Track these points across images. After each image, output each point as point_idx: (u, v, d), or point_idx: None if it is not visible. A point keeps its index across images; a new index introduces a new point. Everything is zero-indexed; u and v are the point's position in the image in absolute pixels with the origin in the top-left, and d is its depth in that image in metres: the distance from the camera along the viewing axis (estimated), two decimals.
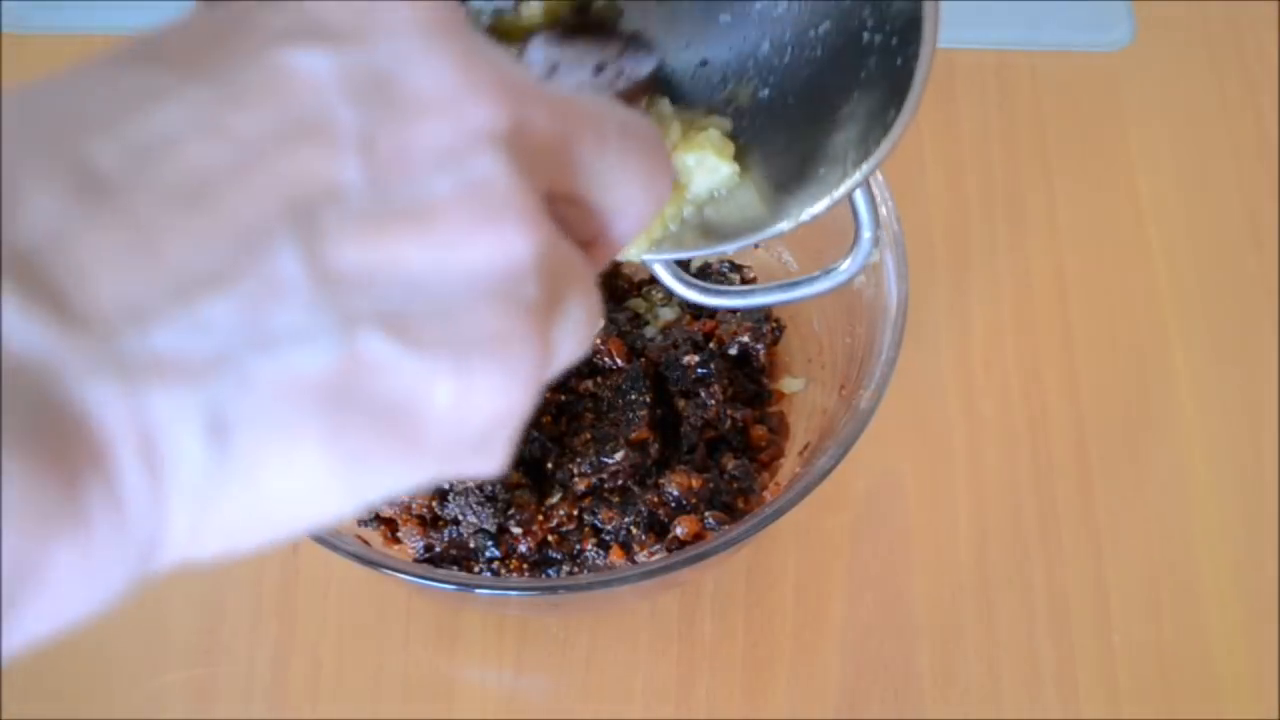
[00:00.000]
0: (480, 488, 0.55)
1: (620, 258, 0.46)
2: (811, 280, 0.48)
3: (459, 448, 0.22)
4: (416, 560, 0.56)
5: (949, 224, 0.71)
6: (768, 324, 0.62)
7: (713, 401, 0.59)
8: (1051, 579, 0.61)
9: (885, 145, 0.39)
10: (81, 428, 0.19)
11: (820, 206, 0.42)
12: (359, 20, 0.22)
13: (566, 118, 0.24)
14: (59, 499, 0.18)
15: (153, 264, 0.19)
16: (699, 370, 0.59)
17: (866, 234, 0.45)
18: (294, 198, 0.20)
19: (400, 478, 0.22)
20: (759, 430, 0.60)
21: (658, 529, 0.56)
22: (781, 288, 0.48)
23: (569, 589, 0.52)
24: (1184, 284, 0.69)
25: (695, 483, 0.56)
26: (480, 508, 0.55)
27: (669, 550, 0.55)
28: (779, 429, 0.61)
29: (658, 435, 0.58)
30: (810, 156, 0.44)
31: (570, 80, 0.41)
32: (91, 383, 0.19)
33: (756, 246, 0.54)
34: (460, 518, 0.55)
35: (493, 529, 0.55)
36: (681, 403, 0.59)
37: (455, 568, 0.56)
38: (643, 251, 0.44)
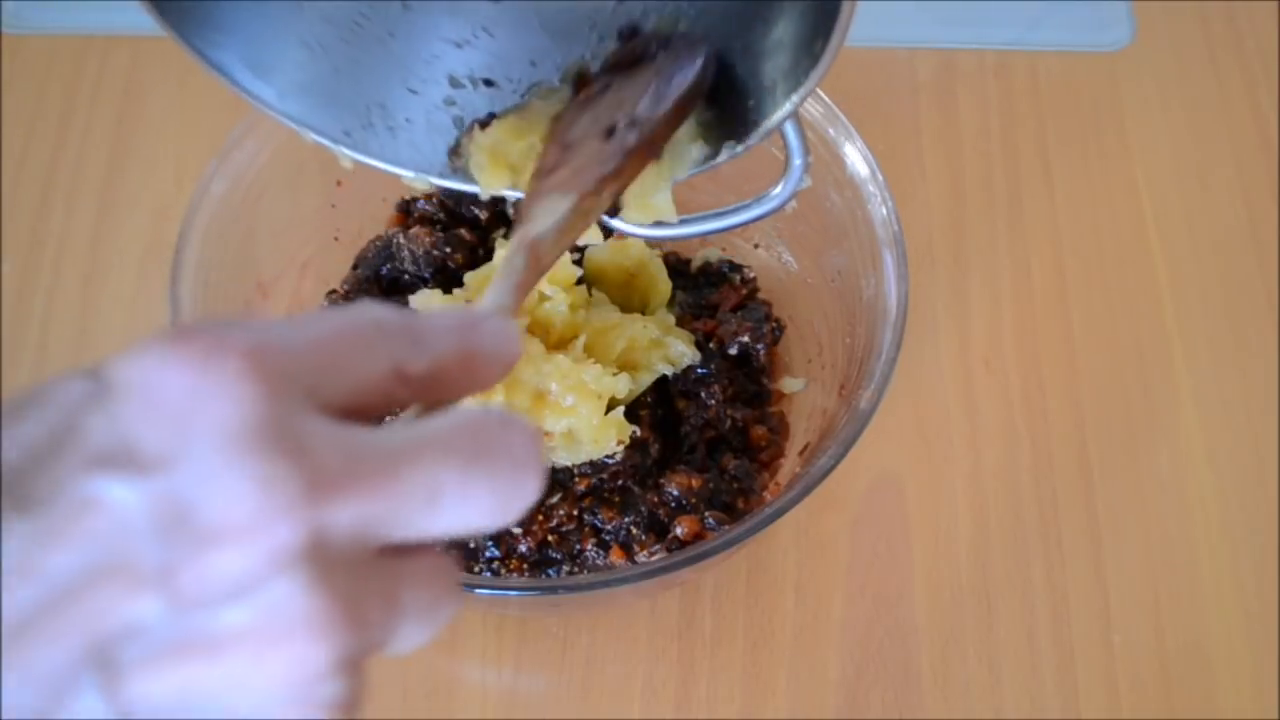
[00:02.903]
0: None
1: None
2: (745, 207, 0.49)
3: None
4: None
5: (949, 224, 0.71)
6: (768, 324, 0.62)
7: (713, 401, 0.59)
8: (1051, 579, 0.61)
9: (814, 75, 0.40)
10: None
11: (752, 138, 0.43)
12: (169, 436, 0.23)
13: (389, 489, 0.24)
14: None
15: None
16: (699, 370, 0.59)
17: (797, 161, 0.46)
18: (96, 637, 0.22)
19: None
20: (759, 430, 0.60)
21: (658, 529, 0.56)
22: (717, 215, 0.49)
23: (569, 589, 0.52)
24: (1184, 284, 0.69)
25: (695, 483, 0.56)
26: None
27: (669, 550, 0.55)
28: (779, 429, 0.61)
29: (658, 435, 0.58)
30: (738, 88, 0.44)
31: (574, 163, 0.41)
32: None
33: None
34: None
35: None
36: (681, 403, 0.59)
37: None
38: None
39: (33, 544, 0.22)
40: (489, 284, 0.35)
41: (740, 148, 0.44)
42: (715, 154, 0.45)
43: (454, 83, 0.49)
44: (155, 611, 0.22)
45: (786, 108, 0.42)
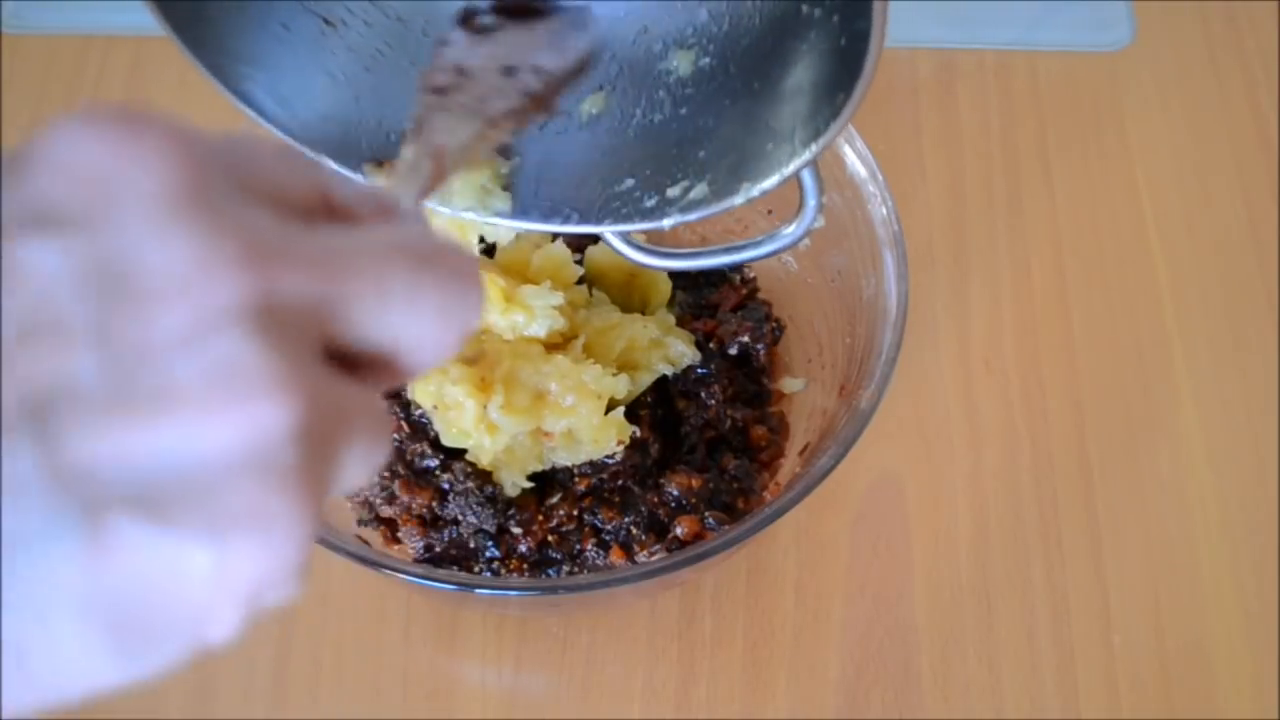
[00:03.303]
0: (480, 488, 0.55)
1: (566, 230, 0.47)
2: (757, 243, 0.48)
3: (235, 607, 0.22)
4: (416, 560, 0.56)
5: (949, 224, 0.71)
6: (768, 324, 0.62)
7: (713, 401, 0.59)
8: (1051, 579, 0.61)
9: (834, 129, 0.40)
10: None
11: (770, 182, 0.43)
12: (92, 201, 0.22)
13: (332, 272, 0.23)
14: None
15: None
16: (699, 370, 0.59)
17: (811, 202, 0.46)
18: (29, 397, 0.21)
19: (173, 651, 0.23)
20: (759, 430, 0.60)
21: (658, 529, 0.56)
22: (728, 250, 0.49)
23: (569, 589, 0.52)
24: (1184, 284, 0.69)
25: (695, 483, 0.56)
26: (480, 508, 0.55)
27: (669, 550, 0.55)
28: (779, 429, 0.61)
29: (658, 435, 0.58)
30: (757, 130, 0.44)
31: (474, 90, 0.40)
32: None
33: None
34: (460, 518, 0.55)
35: (493, 529, 0.55)
36: (681, 403, 0.59)
37: (455, 568, 0.56)
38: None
39: None
40: (393, 178, 0.34)
41: (757, 190, 0.43)
42: (732, 194, 0.44)
43: None
44: (93, 369, 0.21)
45: (805, 156, 0.42)
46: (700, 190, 0.45)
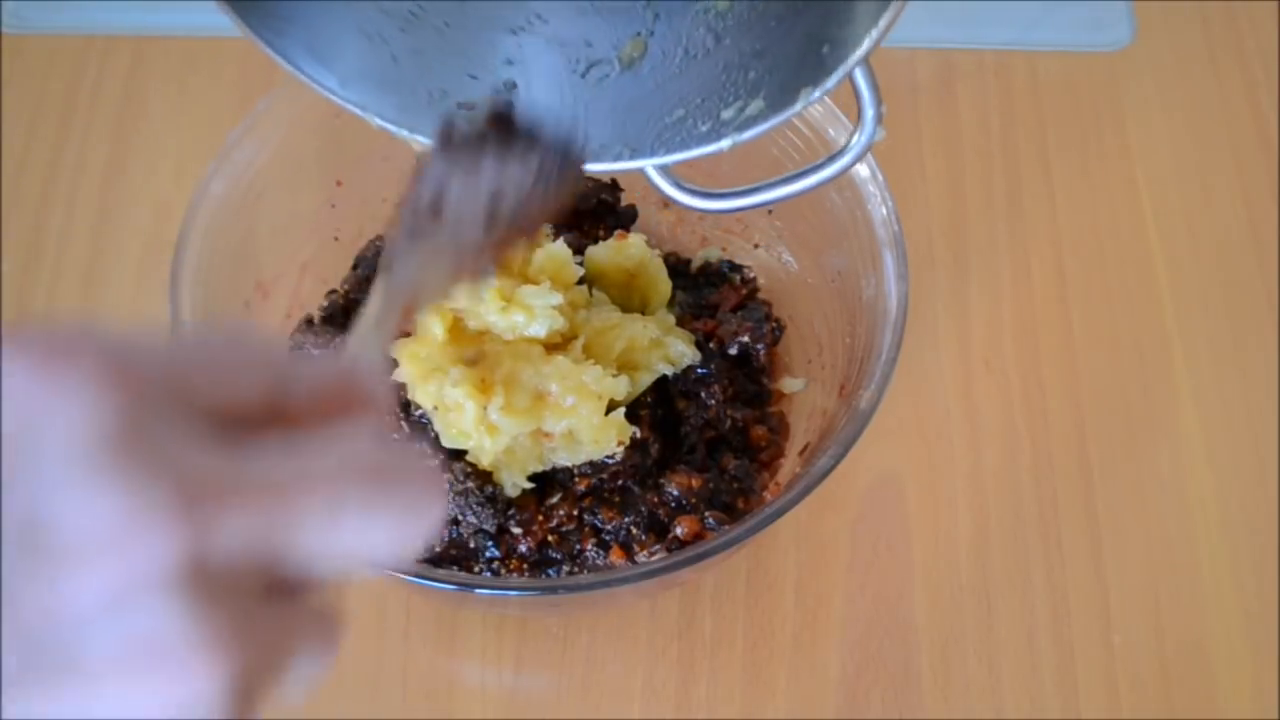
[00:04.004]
0: (480, 488, 0.55)
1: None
2: (816, 168, 0.46)
3: None
4: (416, 560, 0.56)
5: (949, 224, 0.71)
6: (768, 324, 0.62)
7: (713, 401, 0.59)
8: (1051, 579, 0.61)
9: (888, 16, 0.38)
10: None
11: (831, 81, 0.41)
12: (12, 449, 0.20)
13: (278, 502, 0.22)
14: None
15: None
16: (699, 370, 0.59)
17: (870, 111, 0.44)
18: None
19: None
20: (759, 430, 0.60)
21: (658, 529, 0.56)
22: (786, 180, 0.47)
23: (569, 589, 0.52)
24: (1184, 284, 0.69)
25: (695, 483, 0.56)
26: (480, 508, 0.55)
27: (669, 550, 0.55)
28: (779, 429, 0.61)
29: (658, 435, 0.58)
30: (807, 41, 0.43)
31: (451, 226, 0.39)
32: None
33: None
34: (460, 518, 0.55)
35: (493, 529, 0.55)
36: (681, 403, 0.59)
37: (455, 568, 0.56)
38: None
39: None
40: (359, 331, 0.33)
41: (818, 92, 0.41)
42: (790, 103, 0.42)
43: (511, 66, 0.49)
44: (8, 645, 0.20)
45: (865, 45, 0.40)
46: (756, 106, 0.44)
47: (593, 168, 0.46)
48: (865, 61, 0.42)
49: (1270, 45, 0.77)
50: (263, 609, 0.22)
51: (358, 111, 0.47)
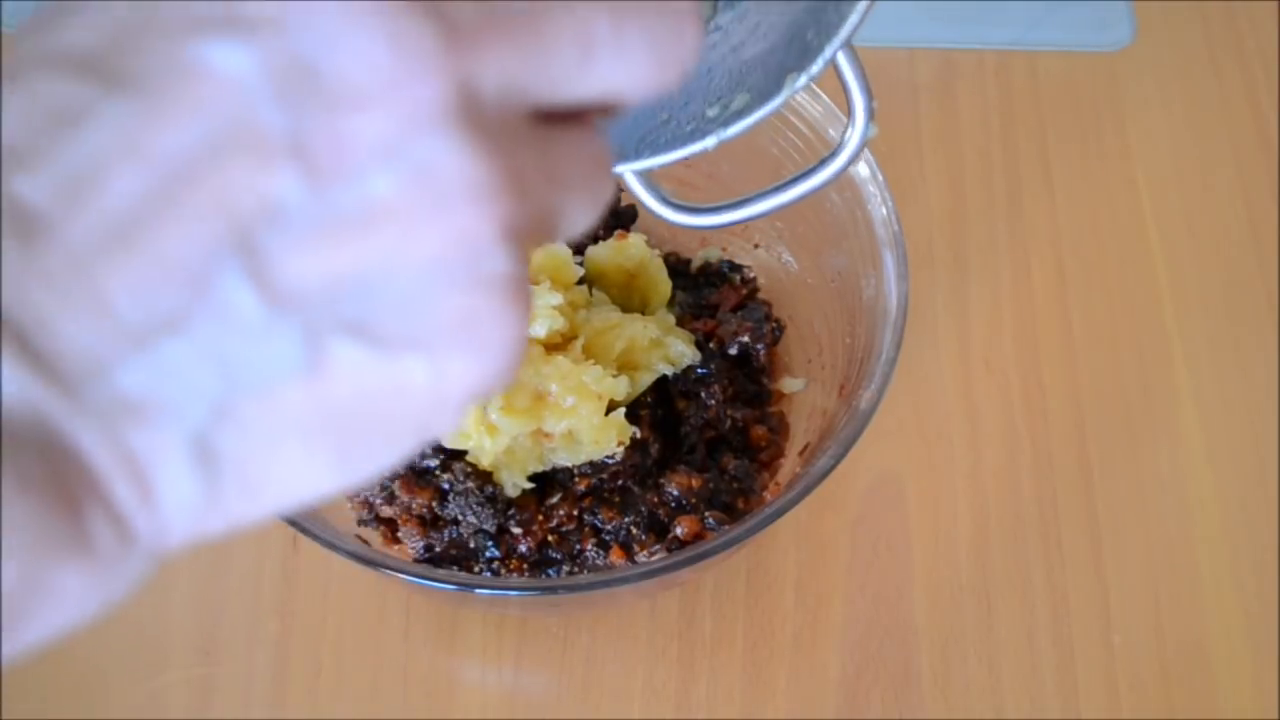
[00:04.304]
0: (480, 488, 0.55)
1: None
2: (808, 174, 0.45)
3: (453, 412, 0.22)
4: (416, 560, 0.56)
5: (949, 224, 0.71)
6: (768, 324, 0.62)
7: (713, 401, 0.59)
8: (1051, 579, 0.61)
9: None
10: (77, 467, 0.20)
11: (816, 67, 0.40)
12: (277, 3, 0.20)
13: (534, 39, 0.22)
14: (66, 529, 0.20)
15: (102, 312, 0.20)
16: (699, 370, 0.59)
17: (861, 106, 0.42)
18: (231, 221, 0.20)
19: (394, 455, 0.23)
20: (759, 430, 0.60)
21: (658, 529, 0.56)
22: (779, 189, 0.45)
23: (569, 589, 0.52)
24: (1184, 284, 0.69)
25: (695, 483, 0.56)
26: (480, 508, 0.55)
27: (669, 550, 0.55)
28: (779, 429, 0.61)
29: (658, 435, 0.58)
30: (792, 30, 0.42)
31: None
32: (77, 427, 0.20)
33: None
34: (460, 518, 0.55)
35: (493, 529, 0.55)
36: (681, 403, 0.59)
37: (455, 568, 0.56)
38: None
39: (136, 124, 0.19)
40: None
41: (804, 78, 0.40)
42: (776, 92, 0.41)
43: None
44: (294, 185, 0.20)
45: (853, 19, 0.39)
46: (740, 100, 0.43)
47: None
48: (852, 50, 0.41)
49: (1270, 45, 0.77)
50: (532, 147, 0.22)
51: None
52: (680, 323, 0.61)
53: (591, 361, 0.55)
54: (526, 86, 0.22)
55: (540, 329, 0.55)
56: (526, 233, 0.22)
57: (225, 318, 0.20)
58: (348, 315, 0.21)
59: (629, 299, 0.62)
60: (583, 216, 0.24)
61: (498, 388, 0.23)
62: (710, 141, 0.42)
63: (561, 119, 0.23)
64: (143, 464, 0.20)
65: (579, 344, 0.56)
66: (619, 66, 0.23)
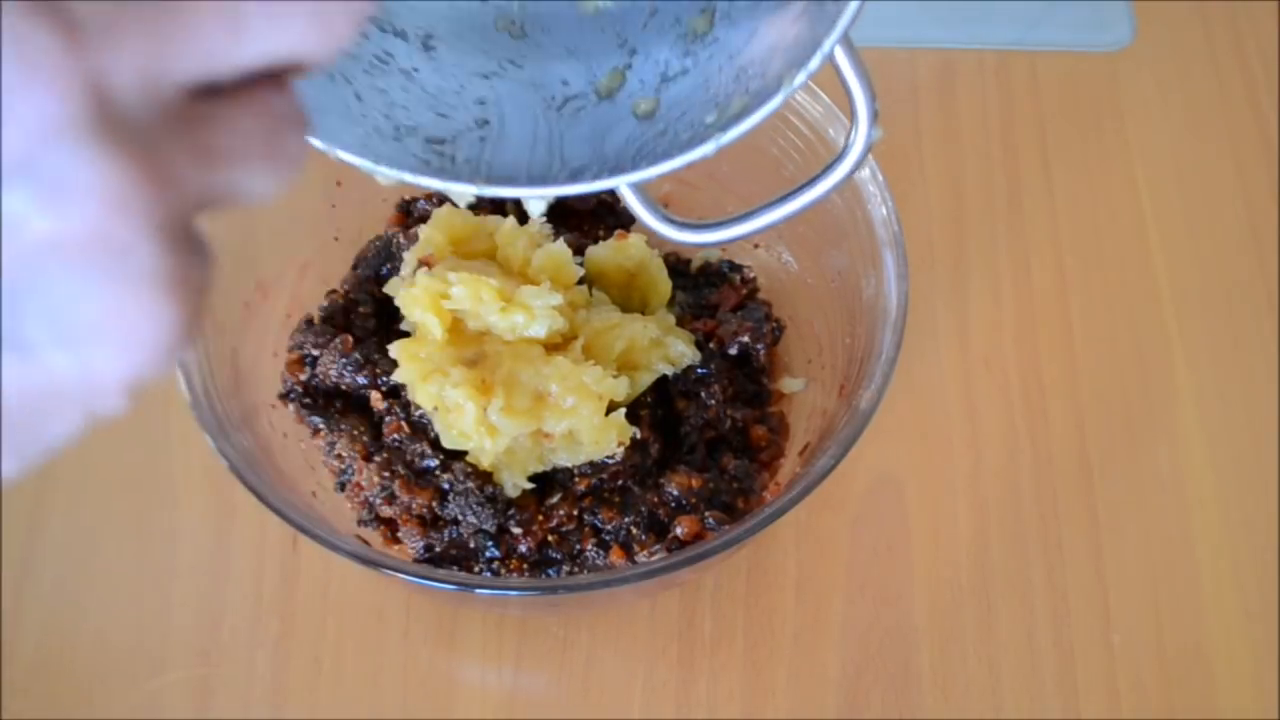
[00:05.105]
0: (480, 488, 0.55)
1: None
2: (813, 183, 0.44)
3: (117, 395, 0.23)
4: (416, 560, 0.56)
5: (949, 224, 0.71)
6: (768, 324, 0.62)
7: (713, 401, 0.59)
8: (1051, 579, 0.61)
9: None
10: None
11: (814, 63, 0.39)
12: None
13: (172, 24, 0.21)
14: None
15: None
16: (699, 370, 0.59)
17: (864, 108, 0.41)
18: None
19: (65, 437, 0.23)
20: (759, 430, 0.60)
21: (658, 529, 0.56)
22: (778, 203, 0.44)
23: (569, 589, 0.52)
24: (1184, 284, 0.69)
25: (695, 483, 0.56)
26: (480, 508, 0.55)
27: (669, 550, 0.55)
28: (779, 429, 0.61)
29: (658, 435, 0.58)
30: (784, 32, 0.42)
31: None
32: None
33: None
34: (460, 518, 0.55)
35: (493, 529, 0.55)
36: (681, 403, 0.59)
37: (455, 568, 0.56)
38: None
39: None
40: None
41: (801, 76, 0.39)
42: (773, 93, 0.40)
43: (484, 105, 0.48)
44: None
45: (840, 24, 0.38)
46: (738, 103, 0.42)
47: (574, 189, 0.44)
48: (854, 51, 0.40)
49: (1270, 45, 0.77)
50: (187, 127, 0.22)
51: (315, 144, 0.43)
52: (680, 323, 0.61)
53: (591, 362, 0.55)
54: (170, 71, 0.21)
55: (540, 329, 0.55)
56: (186, 216, 0.22)
57: None
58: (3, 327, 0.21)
59: (629, 299, 0.62)
60: (265, 180, 0.24)
61: (157, 371, 0.23)
62: (709, 148, 0.42)
63: (238, 87, 0.23)
64: None
65: (579, 344, 0.56)
66: (277, 33, 0.22)
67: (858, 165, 0.43)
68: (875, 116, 0.42)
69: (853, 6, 0.38)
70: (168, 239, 0.21)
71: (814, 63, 0.40)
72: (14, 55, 0.19)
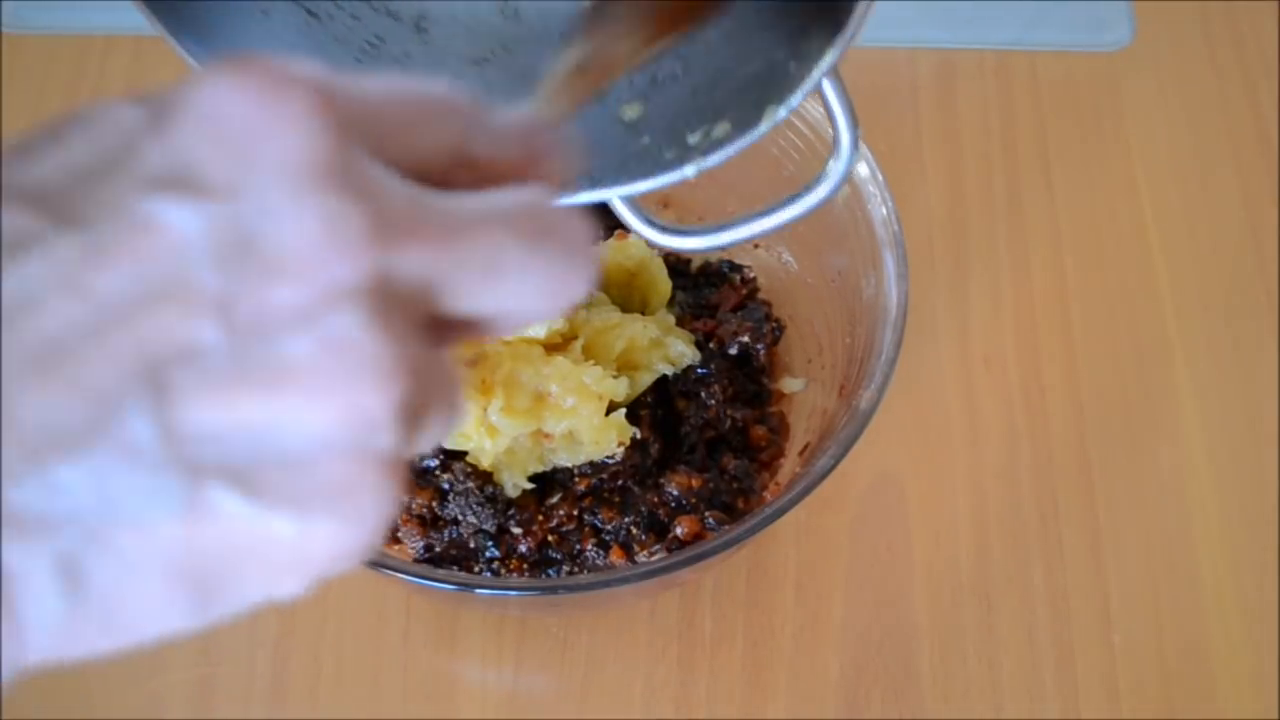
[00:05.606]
0: (480, 488, 0.55)
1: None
2: (793, 200, 0.45)
3: (307, 577, 0.23)
4: (416, 560, 0.56)
5: (949, 224, 0.71)
6: (768, 324, 0.62)
7: (713, 401, 0.59)
8: (1051, 579, 0.61)
9: (851, 26, 0.38)
10: None
11: (796, 97, 0.40)
12: (233, 166, 0.22)
13: (451, 247, 0.23)
14: None
15: (7, 426, 0.21)
16: (699, 370, 0.59)
17: (846, 135, 0.42)
18: (149, 360, 0.21)
19: (240, 606, 0.24)
20: (759, 430, 0.60)
21: (658, 529, 0.56)
22: (760, 216, 0.45)
23: (569, 589, 0.52)
24: (1184, 284, 0.69)
25: (695, 483, 0.56)
26: (480, 508, 0.55)
27: (669, 550, 0.55)
28: (779, 429, 0.61)
29: (658, 435, 0.58)
30: (774, 55, 0.42)
31: None
32: None
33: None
34: (460, 518, 0.55)
35: (493, 529, 0.55)
36: (681, 403, 0.59)
37: (455, 568, 0.56)
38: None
39: (81, 261, 0.21)
40: (544, 92, 0.32)
41: (784, 110, 0.41)
42: (755, 122, 0.42)
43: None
44: (213, 338, 0.21)
45: (825, 61, 0.39)
46: (722, 129, 0.43)
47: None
48: (838, 79, 0.41)
49: (1270, 45, 0.77)
50: (422, 345, 0.23)
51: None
52: (680, 323, 0.61)
53: (591, 362, 0.55)
54: (433, 288, 0.23)
55: (540, 329, 0.55)
56: (411, 421, 0.23)
57: (120, 446, 0.21)
58: (233, 463, 0.22)
59: (629, 299, 0.62)
60: (441, 428, 0.25)
61: (351, 562, 0.23)
62: (689, 170, 0.43)
63: (436, 332, 0.25)
64: (10, 576, 0.21)
65: (579, 344, 0.56)
66: (515, 292, 0.24)
67: (837, 188, 0.44)
68: (857, 144, 0.43)
69: (837, 42, 0.39)
70: (404, 431, 0.23)
71: (796, 98, 0.41)
72: (329, 225, 0.22)
